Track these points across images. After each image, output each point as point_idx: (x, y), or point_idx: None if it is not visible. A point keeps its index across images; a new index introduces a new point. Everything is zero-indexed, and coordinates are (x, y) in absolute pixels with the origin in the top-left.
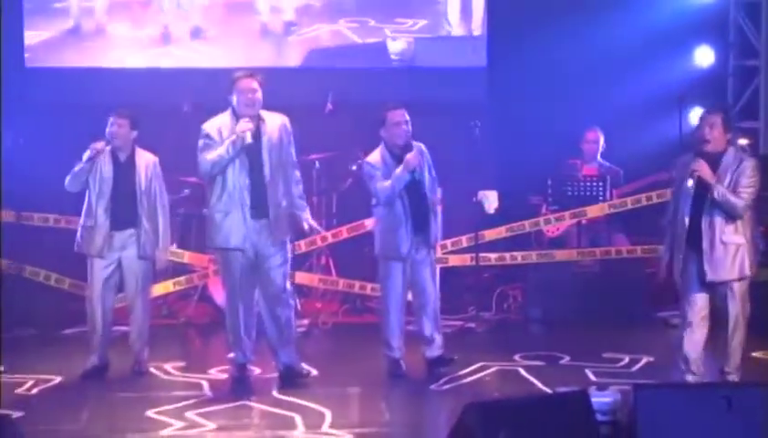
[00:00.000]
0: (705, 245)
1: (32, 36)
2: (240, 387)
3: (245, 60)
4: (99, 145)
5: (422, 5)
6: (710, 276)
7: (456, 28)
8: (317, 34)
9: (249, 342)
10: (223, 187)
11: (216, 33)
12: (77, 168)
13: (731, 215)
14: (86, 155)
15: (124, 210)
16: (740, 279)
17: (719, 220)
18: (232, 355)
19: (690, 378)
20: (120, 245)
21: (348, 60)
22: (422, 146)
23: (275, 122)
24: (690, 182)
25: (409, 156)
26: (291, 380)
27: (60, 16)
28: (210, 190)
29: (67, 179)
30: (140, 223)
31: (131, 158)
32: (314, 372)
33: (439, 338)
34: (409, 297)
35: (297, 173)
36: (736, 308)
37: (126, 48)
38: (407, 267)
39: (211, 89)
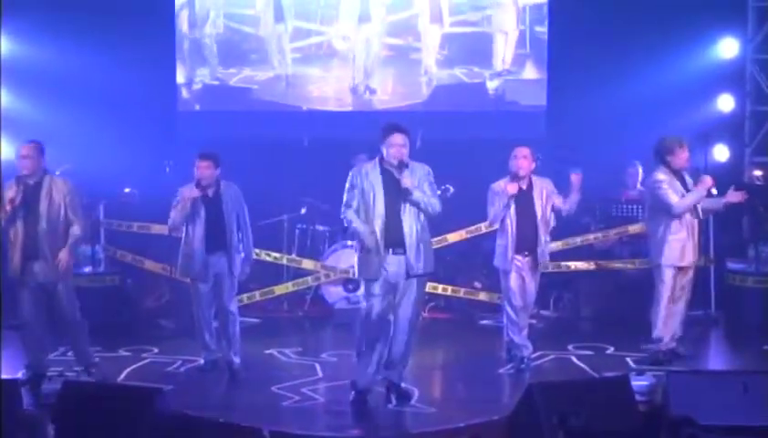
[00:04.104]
0: None
1: (183, 83)
2: (354, 408)
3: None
4: (188, 193)
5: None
6: None
7: (528, 74)
8: (441, 76)
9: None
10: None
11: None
12: (175, 216)
13: None
14: (180, 205)
15: (215, 237)
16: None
17: None
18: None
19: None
20: (214, 265)
21: (460, 96)
22: (542, 181)
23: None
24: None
25: (509, 186)
26: (399, 397)
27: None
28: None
29: (168, 226)
30: (229, 246)
31: (217, 192)
32: None
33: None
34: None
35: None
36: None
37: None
38: (521, 279)
39: (329, 128)
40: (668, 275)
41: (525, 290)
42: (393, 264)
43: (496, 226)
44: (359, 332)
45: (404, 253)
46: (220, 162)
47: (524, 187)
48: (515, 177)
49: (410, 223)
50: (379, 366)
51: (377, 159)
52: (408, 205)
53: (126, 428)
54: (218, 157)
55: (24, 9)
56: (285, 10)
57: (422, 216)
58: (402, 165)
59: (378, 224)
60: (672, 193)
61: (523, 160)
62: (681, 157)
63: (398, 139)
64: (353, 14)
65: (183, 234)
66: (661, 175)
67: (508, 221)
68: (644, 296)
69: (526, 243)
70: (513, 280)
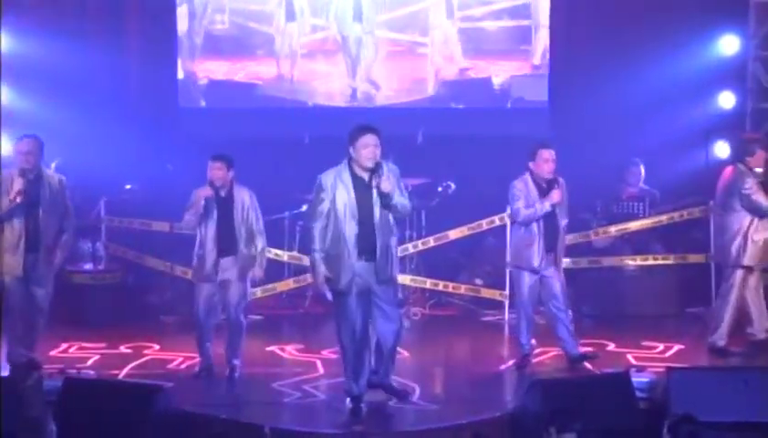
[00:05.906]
0: None
1: (186, 79)
2: (355, 418)
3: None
4: (202, 192)
5: (515, 52)
6: None
7: (534, 70)
8: (449, 72)
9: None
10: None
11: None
12: (189, 217)
13: None
14: (195, 205)
15: (226, 240)
16: None
17: None
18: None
19: None
20: (224, 269)
21: (466, 91)
22: (562, 180)
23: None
24: None
25: (555, 194)
26: (396, 396)
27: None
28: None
29: (182, 226)
30: (238, 249)
31: (230, 194)
32: (405, 354)
33: (572, 339)
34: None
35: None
36: None
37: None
38: (538, 280)
39: (331, 124)
40: (740, 275)
41: (556, 290)
42: (364, 270)
43: (498, 223)
44: (342, 345)
45: (375, 259)
46: (233, 164)
47: (545, 187)
48: (553, 181)
49: (381, 227)
50: (370, 370)
51: (345, 163)
52: (378, 210)
53: (127, 425)
54: (231, 159)
55: (24, 6)
56: (296, 6)
57: (391, 219)
58: (379, 167)
59: (351, 232)
60: (763, 196)
61: (552, 163)
62: (759, 158)
63: (371, 139)
64: (348, 10)
65: (198, 236)
66: (748, 177)
67: (535, 222)
68: (644, 293)
69: (549, 242)
70: (528, 279)
